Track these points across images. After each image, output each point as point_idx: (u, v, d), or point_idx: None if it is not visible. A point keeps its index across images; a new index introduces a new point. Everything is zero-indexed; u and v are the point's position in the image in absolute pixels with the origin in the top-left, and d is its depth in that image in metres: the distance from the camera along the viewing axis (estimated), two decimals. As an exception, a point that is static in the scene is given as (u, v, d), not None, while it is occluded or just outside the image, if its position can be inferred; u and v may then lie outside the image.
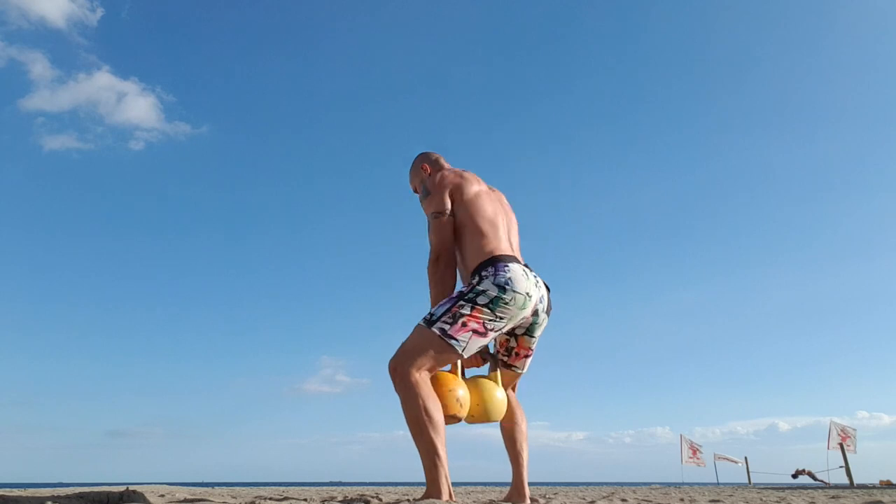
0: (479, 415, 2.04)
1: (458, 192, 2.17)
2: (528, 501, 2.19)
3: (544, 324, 2.16)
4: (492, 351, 2.25)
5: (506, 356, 2.21)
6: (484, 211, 2.15)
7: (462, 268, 2.14)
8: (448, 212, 2.13)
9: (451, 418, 1.94)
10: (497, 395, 2.09)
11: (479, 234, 2.09)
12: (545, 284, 2.13)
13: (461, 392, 1.97)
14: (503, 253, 2.05)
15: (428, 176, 2.33)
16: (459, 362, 2.09)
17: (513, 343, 2.18)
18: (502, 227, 2.17)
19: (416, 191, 2.44)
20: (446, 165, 2.39)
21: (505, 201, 2.33)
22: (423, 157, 2.44)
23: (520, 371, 2.24)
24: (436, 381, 1.94)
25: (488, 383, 2.11)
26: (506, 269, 1.97)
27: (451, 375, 2.01)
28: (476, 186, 2.21)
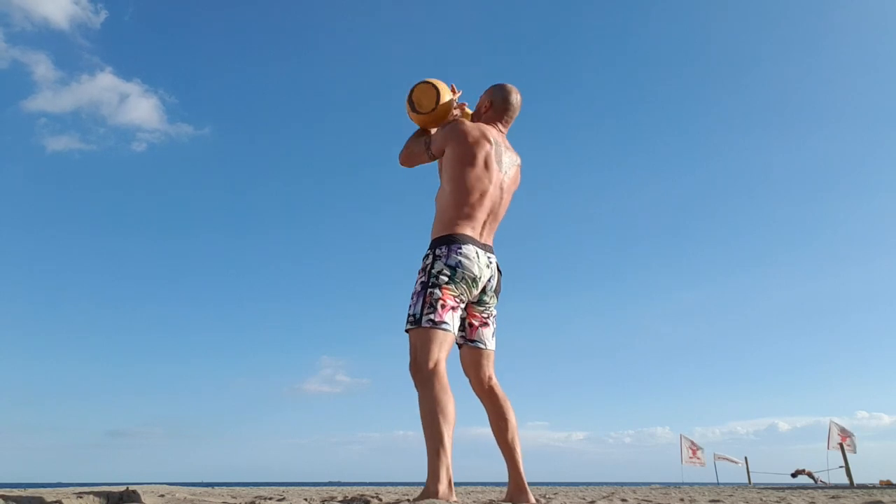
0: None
1: (462, 146, 2.22)
2: (532, 498, 2.11)
3: (493, 301, 2.26)
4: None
5: (462, 333, 2.23)
6: (472, 181, 2.19)
7: (437, 204, 2.27)
8: (431, 154, 2.36)
9: (426, 86, 2.40)
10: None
11: (457, 199, 2.18)
12: (498, 267, 2.24)
13: (447, 97, 2.42)
14: (463, 232, 2.13)
15: (479, 110, 2.48)
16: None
17: (462, 314, 2.20)
18: (481, 208, 2.20)
19: (478, 106, 2.52)
20: (502, 118, 2.43)
21: (508, 183, 2.33)
22: (495, 93, 2.44)
23: (483, 346, 2.22)
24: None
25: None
26: (459, 250, 2.08)
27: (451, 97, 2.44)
28: (486, 149, 2.24)
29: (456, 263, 2.06)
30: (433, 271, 2.07)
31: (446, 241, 2.11)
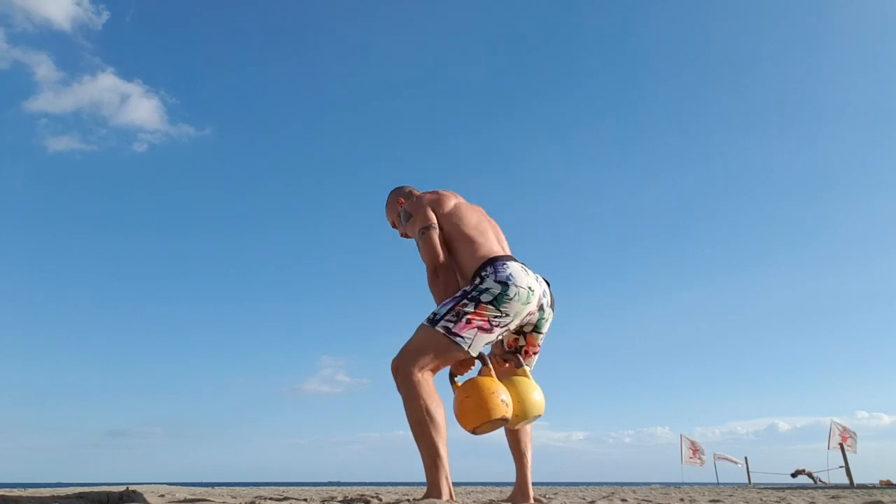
0: (521, 413, 1.99)
1: (438, 207, 2.23)
2: (533, 502, 2.17)
3: (550, 318, 2.16)
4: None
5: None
6: (468, 219, 2.20)
7: (460, 277, 2.13)
8: (434, 224, 2.17)
9: (500, 421, 1.90)
10: (532, 389, 2.05)
11: (469, 242, 2.13)
12: (545, 280, 2.15)
13: (503, 395, 1.91)
14: (498, 254, 2.08)
15: (403, 206, 2.38)
16: (491, 365, 2.00)
17: (522, 342, 2.18)
18: (490, 232, 2.21)
19: (394, 225, 2.47)
20: (418, 192, 2.42)
21: (484, 213, 2.37)
22: (397, 192, 2.48)
23: (528, 370, 2.23)
24: (476, 387, 1.90)
25: (522, 380, 2.07)
26: (505, 266, 2.00)
27: (489, 379, 1.94)
28: (454, 199, 2.28)
29: (506, 277, 1.96)
30: (481, 286, 1.96)
31: (489, 263, 2.03)
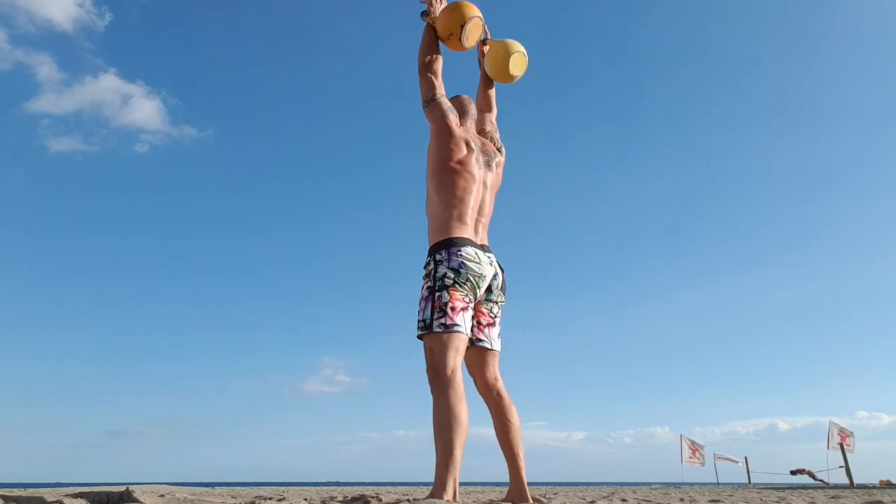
0: (500, 52, 2.52)
1: (445, 144, 2.29)
2: (532, 501, 2.14)
3: (500, 299, 2.26)
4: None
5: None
6: (457, 183, 2.23)
7: (428, 213, 2.29)
8: (453, 120, 2.32)
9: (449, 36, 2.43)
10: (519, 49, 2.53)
11: (446, 203, 2.20)
12: (499, 265, 2.25)
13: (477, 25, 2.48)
14: (459, 235, 2.14)
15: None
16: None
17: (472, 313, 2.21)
18: (469, 205, 2.23)
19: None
20: (467, 123, 2.45)
21: (492, 180, 2.39)
22: (454, 104, 2.47)
23: (488, 345, 2.22)
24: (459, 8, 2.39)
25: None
26: (459, 252, 2.08)
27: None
28: (465, 152, 2.29)
29: (458, 265, 2.07)
30: (437, 275, 2.07)
31: (444, 246, 2.12)
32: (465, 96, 2.53)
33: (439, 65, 2.43)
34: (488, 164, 2.38)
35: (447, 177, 2.23)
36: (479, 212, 2.28)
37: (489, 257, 2.20)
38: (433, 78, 2.39)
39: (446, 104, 2.34)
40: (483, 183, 2.32)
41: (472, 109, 2.50)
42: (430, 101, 2.34)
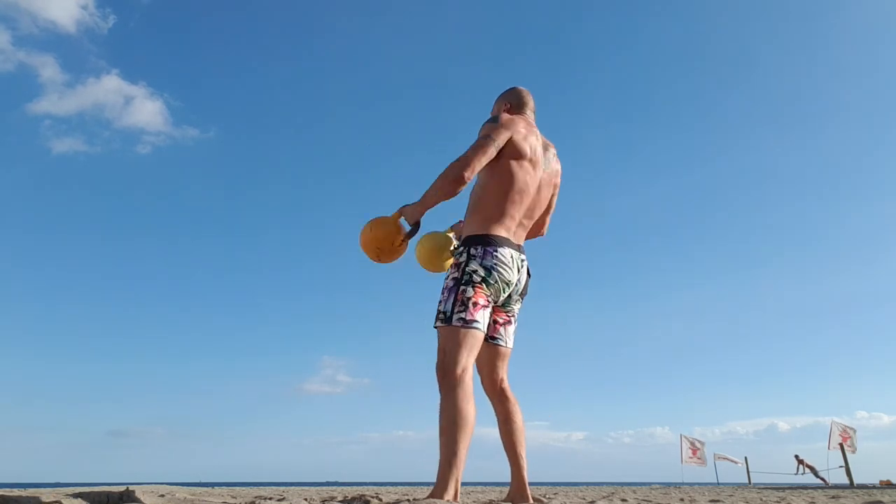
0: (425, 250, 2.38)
1: (510, 145, 2.12)
2: (532, 501, 2.14)
3: (517, 304, 2.23)
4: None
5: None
6: (517, 179, 2.12)
7: (470, 202, 2.19)
8: (497, 145, 2.08)
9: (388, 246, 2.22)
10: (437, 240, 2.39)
11: (498, 196, 2.10)
12: (528, 270, 2.20)
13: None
14: (498, 234, 2.08)
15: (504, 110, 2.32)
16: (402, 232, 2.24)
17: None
18: (521, 204, 2.14)
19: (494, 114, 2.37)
20: (528, 115, 2.33)
21: (547, 180, 2.26)
22: (511, 95, 2.37)
23: (502, 344, 2.21)
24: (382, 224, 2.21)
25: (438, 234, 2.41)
26: (494, 253, 2.04)
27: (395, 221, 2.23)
28: (528, 151, 2.15)
29: (492, 266, 2.03)
30: (467, 269, 2.03)
31: (482, 242, 2.06)
32: (521, 88, 2.39)
33: (477, 161, 2.07)
34: (546, 162, 2.26)
35: (508, 168, 2.11)
36: (528, 210, 2.19)
37: (522, 260, 2.15)
38: (489, 152, 2.10)
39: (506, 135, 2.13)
40: (539, 183, 2.21)
41: (531, 101, 2.37)
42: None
